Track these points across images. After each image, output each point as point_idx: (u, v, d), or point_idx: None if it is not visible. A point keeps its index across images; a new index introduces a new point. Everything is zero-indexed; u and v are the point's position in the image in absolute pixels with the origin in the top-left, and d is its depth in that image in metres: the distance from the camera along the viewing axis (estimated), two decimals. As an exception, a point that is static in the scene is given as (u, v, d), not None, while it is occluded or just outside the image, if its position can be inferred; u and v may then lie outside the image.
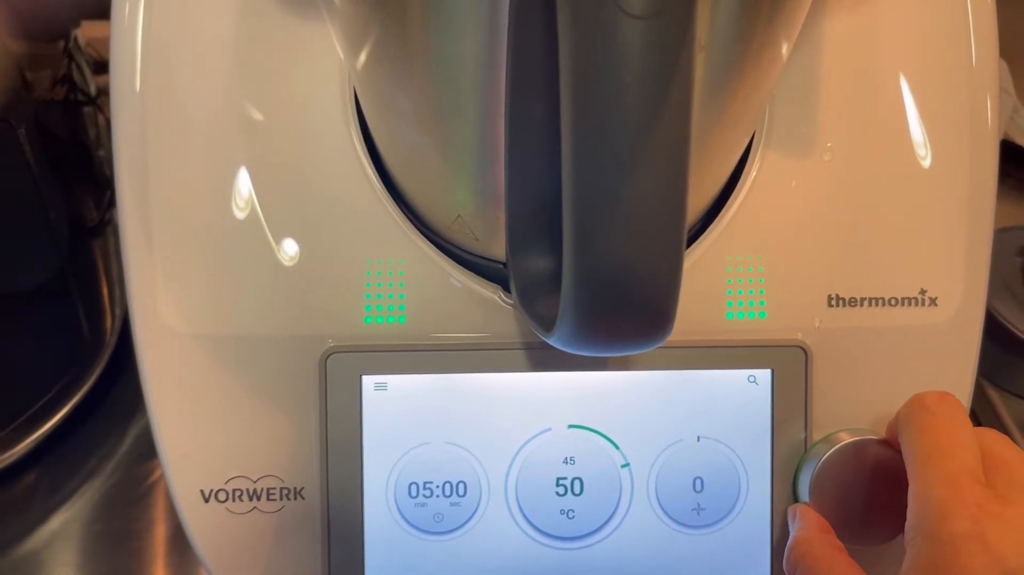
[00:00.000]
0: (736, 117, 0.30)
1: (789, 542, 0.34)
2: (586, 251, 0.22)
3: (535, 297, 0.31)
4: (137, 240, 0.34)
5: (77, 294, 0.51)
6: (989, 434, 0.32)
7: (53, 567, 0.45)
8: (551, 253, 0.31)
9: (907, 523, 0.30)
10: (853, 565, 0.31)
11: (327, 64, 0.35)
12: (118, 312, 0.53)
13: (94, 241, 0.56)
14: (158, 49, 0.35)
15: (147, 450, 0.46)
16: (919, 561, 0.28)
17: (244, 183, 0.35)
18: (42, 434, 0.47)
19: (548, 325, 0.27)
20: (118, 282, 0.54)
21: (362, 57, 0.30)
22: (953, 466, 0.29)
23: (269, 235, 0.35)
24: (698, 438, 0.36)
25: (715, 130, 0.30)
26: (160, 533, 0.46)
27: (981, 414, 0.49)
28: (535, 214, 0.30)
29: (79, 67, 0.61)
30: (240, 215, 0.35)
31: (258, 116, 0.35)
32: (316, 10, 0.35)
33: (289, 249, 0.35)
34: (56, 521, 0.46)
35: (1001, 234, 0.50)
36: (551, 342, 0.27)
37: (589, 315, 0.23)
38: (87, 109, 0.62)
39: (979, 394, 0.49)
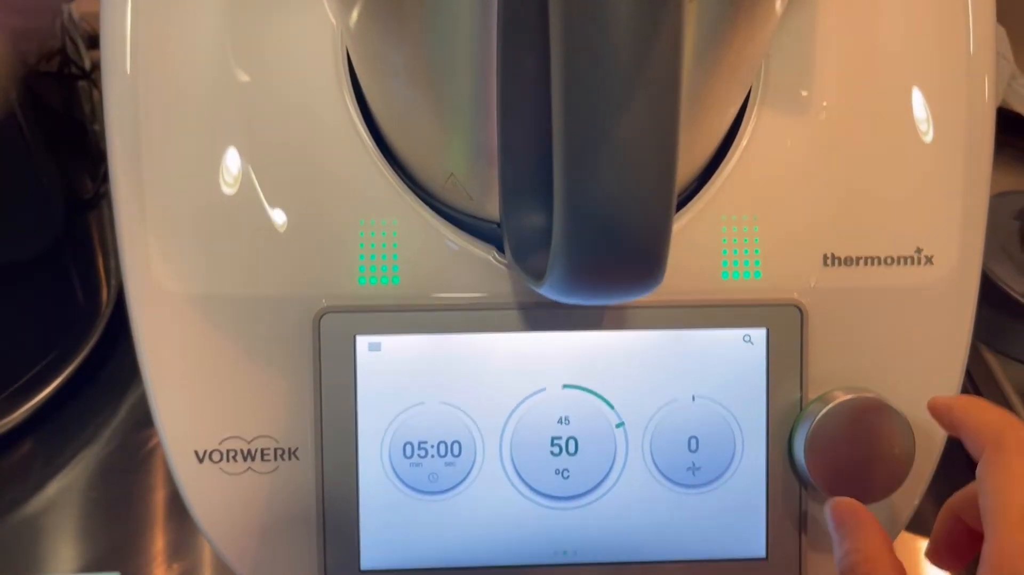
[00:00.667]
0: (730, 71, 0.30)
1: (847, 550, 0.31)
2: (576, 190, 0.22)
3: (528, 253, 0.30)
4: (130, 200, 0.34)
5: (72, 265, 0.51)
6: None
7: (51, 534, 0.45)
8: (544, 209, 0.31)
9: (986, 566, 0.28)
10: None
11: (320, 27, 0.35)
12: (114, 283, 0.53)
13: (90, 214, 0.56)
14: (149, 17, 0.35)
15: (143, 419, 0.46)
16: None
17: (237, 145, 0.35)
18: (37, 403, 0.47)
19: (541, 276, 0.27)
20: (114, 254, 0.54)
21: (354, 15, 0.30)
22: None
23: (263, 196, 0.35)
24: (693, 397, 0.36)
25: (709, 84, 0.30)
26: (157, 499, 0.46)
27: (979, 379, 0.48)
28: (528, 169, 0.30)
29: (73, 41, 0.60)
30: (233, 176, 0.35)
31: (250, 80, 0.35)
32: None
33: (283, 210, 0.35)
34: (53, 488, 0.46)
35: (999, 198, 0.50)
36: (543, 291, 0.27)
37: (580, 258, 0.23)
38: (81, 83, 0.61)
39: (977, 359, 0.49)
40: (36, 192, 0.52)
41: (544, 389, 0.35)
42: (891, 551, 0.31)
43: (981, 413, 0.31)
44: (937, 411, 0.33)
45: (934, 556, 0.33)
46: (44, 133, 0.53)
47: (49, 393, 0.47)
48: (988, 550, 0.28)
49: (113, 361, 0.50)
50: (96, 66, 0.63)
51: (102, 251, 0.54)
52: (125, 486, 0.46)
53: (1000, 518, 0.28)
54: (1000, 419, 0.30)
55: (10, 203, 0.49)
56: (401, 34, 0.29)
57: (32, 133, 0.51)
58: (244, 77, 0.35)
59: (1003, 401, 0.46)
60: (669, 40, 0.21)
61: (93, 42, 0.64)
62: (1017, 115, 0.52)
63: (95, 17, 0.66)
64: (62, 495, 0.46)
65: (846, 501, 0.33)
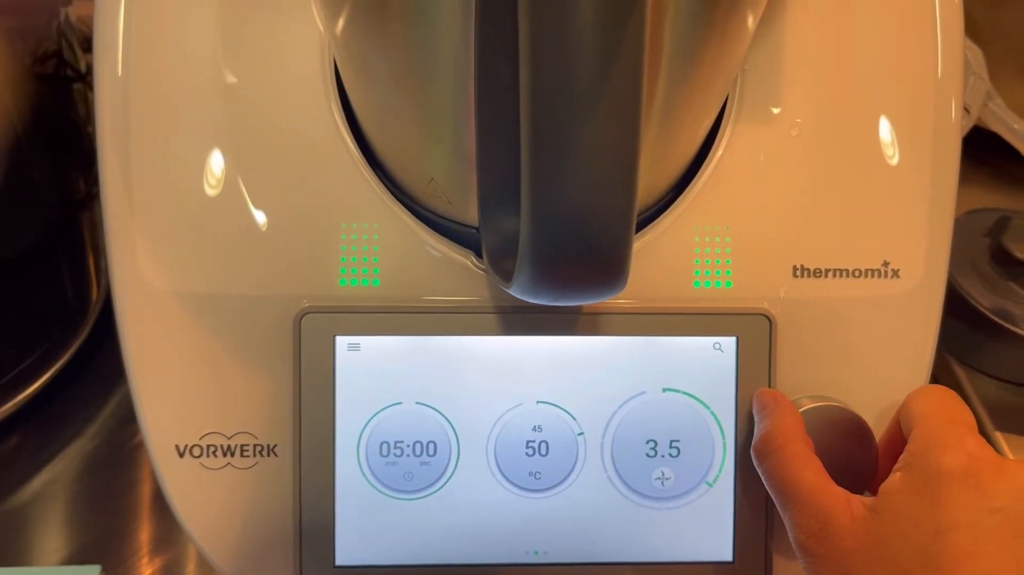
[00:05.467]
0: (703, 86, 0.31)
1: (766, 427, 0.34)
2: (540, 195, 0.23)
3: (503, 256, 0.31)
4: (118, 198, 0.35)
5: (63, 264, 0.52)
6: None
7: (36, 526, 0.46)
8: (519, 214, 0.31)
9: (905, 452, 0.31)
10: (823, 472, 0.32)
11: (308, 34, 0.36)
12: (104, 283, 0.54)
13: (82, 214, 0.57)
14: (141, 21, 0.36)
15: (129, 415, 0.47)
16: (912, 484, 0.30)
17: (225, 147, 0.36)
18: (25, 397, 0.47)
19: (511, 277, 0.28)
20: (104, 254, 0.55)
21: (340, 22, 0.31)
22: (961, 425, 0.31)
23: (248, 197, 0.36)
24: (663, 390, 0.36)
25: (682, 98, 0.31)
26: (141, 493, 0.47)
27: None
28: (504, 175, 0.31)
29: (69, 44, 0.61)
30: (220, 177, 0.36)
31: (239, 84, 0.36)
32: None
33: (267, 211, 0.36)
34: (39, 481, 0.47)
35: (971, 215, 0.51)
36: (512, 292, 0.28)
37: (544, 260, 0.24)
38: (77, 86, 0.62)
39: (946, 372, 0.50)
40: (29, 191, 0.52)
41: (521, 404, 0.36)
42: (804, 429, 0.34)
43: None
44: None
45: None
46: (38, 134, 0.54)
47: (36, 388, 0.48)
48: (909, 446, 0.31)
49: (100, 358, 0.51)
50: (92, 69, 0.64)
51: (93, 251, 0.55)
52: (110, 480, 0.47)
53: (921, 422, 0.32)
54: None
55: (3, 201, 0.49)
56: (385, 42, 0.30)
57: (26, 134, 0.52)
58: (233, 81, 0.36)
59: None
60: (630, 52, 0.22)
61: (89, 45, 0.65)
62: (993, 133, 0.53)
63: (92, 20, 0.67)
64: (48, 487, 0.47)
65: (768, 391, 0.36)
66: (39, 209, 0.53)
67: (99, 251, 0.55)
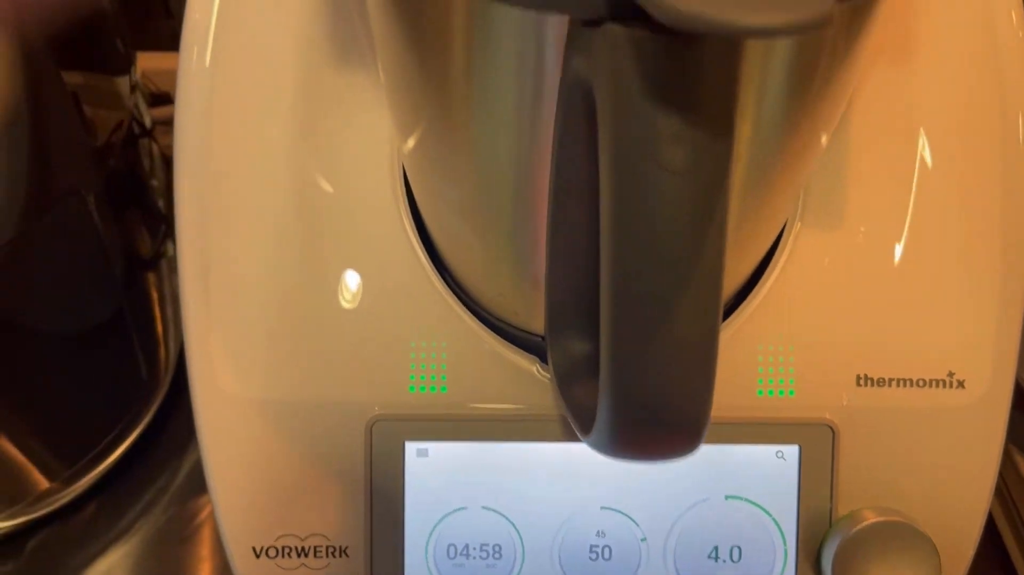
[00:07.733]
0: (773, 210, 0.32)
1: None
2: (623, 382, 0.24)
3: (573, 381, 0.32)
4: (197, 310, 0.36)
5: (134, 331, 0.53)
6: None
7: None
8: (589, 339, 0.32)
9: None
10: None
11: (380, 139, 0.37)
12: (172, 346, 0.55)
13: (148, 273, 0.58)
14: (222, 121, 0.37)
15: (199, 485, 0.48)
16: None
17: (296, 254, 0.37)
18: (101, 471, 0.49)
19: (586, 424, 0.28)
20: (172, 319, 0.56)
21: (410, 143, 0.31)
22: None
23: (323, 306, 0.37)
24: (726, 498, 0.37)
25: (750, 221, 0.31)
26: (207, 569, 0.48)
27: (1011, 482, 0.49)
28: (574, 304, 0.31)
29: (135, 101, 0.63)
30: (292, 285, 0.37)
31: (312, 189, 0.37)
32: (372, 79, 0.36)
33: (339, 318, 0.37)
34: (113, 555, 0.48)
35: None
36: (586, 444, 0.29)
37: (624, 434, 0.25)
38: (142, 140, 0.64)
39: (1006, 461, 0.49)
40: (99, 258, 0.54)
41: (585, 509, 0.37)
42: None
43: None
44: None
45: None
46: (107, 195, 0.55)
47: (113, 461, 0.49)
48: None
49: (171, 426, 0.53)
50: (156, 123, 0.65)
51: (161, 313, 0.56)
52: (179, 556, 0.48)
53: None
54: None
55: (75, 273, 0.51)
56: (454, 171, 0.30)
57: (96, 197, 0.53)
58: (305, 184, 0.37)
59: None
60: (712, 249, 0.23)
61: (155, 100, 0.67)
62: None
63: (156, 75, 0.69)
64: (122, 561, 0.48)
65: None
66: (108, 274, 0.54)
67: (167, 315, 0.56)
